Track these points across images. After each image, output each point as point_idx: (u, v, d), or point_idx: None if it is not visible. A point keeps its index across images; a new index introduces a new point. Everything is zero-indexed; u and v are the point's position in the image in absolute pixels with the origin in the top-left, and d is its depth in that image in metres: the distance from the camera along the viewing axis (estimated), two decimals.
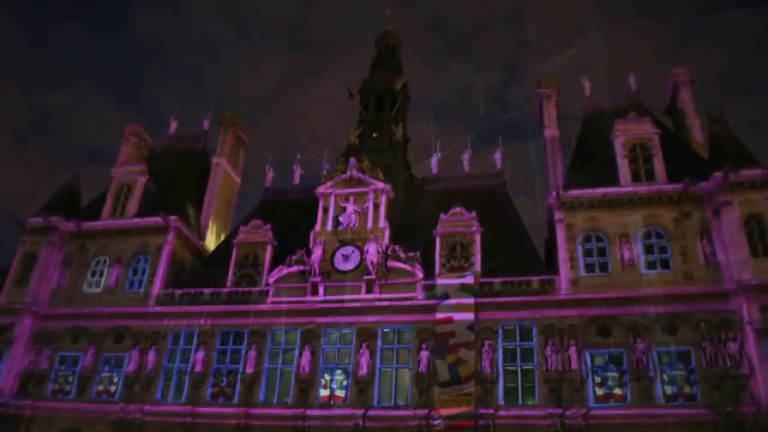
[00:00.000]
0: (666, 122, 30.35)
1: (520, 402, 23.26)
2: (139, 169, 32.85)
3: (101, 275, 30.04)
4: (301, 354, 25.51)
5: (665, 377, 22.44)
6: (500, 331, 24.45)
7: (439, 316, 24.86)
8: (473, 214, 27.31)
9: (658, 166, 26.65)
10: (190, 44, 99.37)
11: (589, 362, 23.21)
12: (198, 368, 26.16)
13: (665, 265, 24.59)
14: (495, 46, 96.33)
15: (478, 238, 26.78)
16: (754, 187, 24.65)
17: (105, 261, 30.30)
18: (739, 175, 24.60)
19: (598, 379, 22.93)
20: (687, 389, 22.15)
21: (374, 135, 35.30)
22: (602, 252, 25.35)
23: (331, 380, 24.99)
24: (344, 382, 24.84)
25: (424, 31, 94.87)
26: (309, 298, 26.85)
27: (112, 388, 27.00)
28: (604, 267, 25.04)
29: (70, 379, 27.66)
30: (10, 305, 29.14)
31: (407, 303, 25.69)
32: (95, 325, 28.34)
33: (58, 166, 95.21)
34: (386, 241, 27.53)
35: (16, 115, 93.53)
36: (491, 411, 22.75)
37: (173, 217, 30.17)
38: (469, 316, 24.54)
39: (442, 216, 27.52)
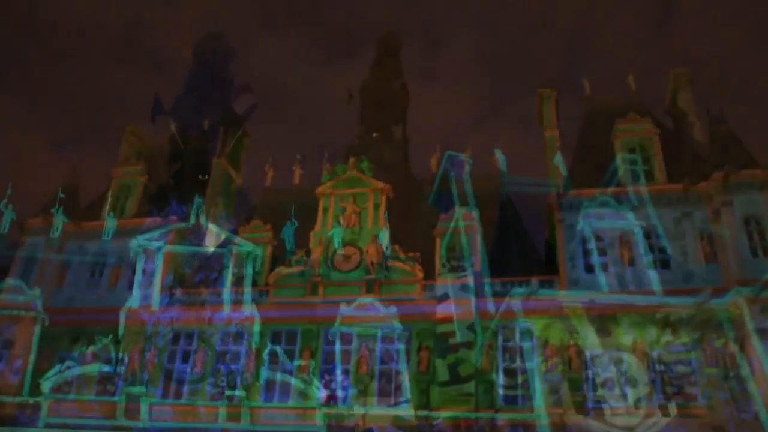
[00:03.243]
0: (666, 122, 30.35)
1: (520, 402, 23.24)
2: (139, 169, 32.85)
3: (101, 275, 30.03)
4: (300, 354, 25.53)
5: (665, 377, 22.42)
6: (500, 331, 24.44)
7: (439, 316, 24.87)
8: (473, 214, 27.31)
9: (658, 166, 26.66)
10: None
11: (589, 362, 23.21)
12: (198, 368, 26.18)
13: (665, 265, 24.59)
14: None
15: (478, 238, 26.78)
16: (754, 187, 24.66)
17: (105, 261, 30.29)
18: (740, 175, 24.61)
19: (598, 379, 22.91)
20: (687, 389, 22.14)
21: (374, 135, 35.31)
22: (602, 252, 25.34)
23: (331, 380, 24.97)
24: (344, 382, 24.83)
25: None
26: (309, 298, 26.86)
27: (112, 388, 26.97)
28: (604, 267, 25.04)
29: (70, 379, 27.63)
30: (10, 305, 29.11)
31: (407, 303, 25.71)
32: (95, 325, 28.34)
33: None
34: (386, 241, 27.53)
35: None
36: (491, 411, 22.76)
37: (173, 217, 30.17)
38: (469, 316, 24.55)
39: (442, 216, 27.51)
